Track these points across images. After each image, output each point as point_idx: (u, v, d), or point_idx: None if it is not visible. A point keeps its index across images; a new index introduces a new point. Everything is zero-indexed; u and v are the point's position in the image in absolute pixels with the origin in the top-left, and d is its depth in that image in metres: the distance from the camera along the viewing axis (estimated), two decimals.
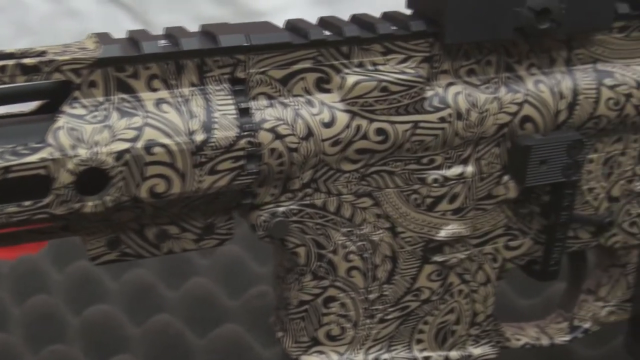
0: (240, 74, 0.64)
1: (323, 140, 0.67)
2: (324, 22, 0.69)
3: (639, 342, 0.88)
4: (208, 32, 0.65)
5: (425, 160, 0.71)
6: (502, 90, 0.71)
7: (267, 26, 0.67)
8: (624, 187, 0.79)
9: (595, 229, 0.79)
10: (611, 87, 0.75)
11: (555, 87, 0.73)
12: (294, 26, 0.68)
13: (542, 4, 0.68)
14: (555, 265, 0.77)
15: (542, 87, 0.73)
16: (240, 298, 1.17)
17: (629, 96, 0.75)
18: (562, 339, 0.83)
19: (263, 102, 0.66)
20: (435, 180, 0.71)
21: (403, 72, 0.68)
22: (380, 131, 0.68)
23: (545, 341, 0.83)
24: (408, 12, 0.72)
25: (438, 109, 0.69)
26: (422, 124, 0.69)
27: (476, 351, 0.77)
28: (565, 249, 0.77)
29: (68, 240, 1.24)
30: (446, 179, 0.71)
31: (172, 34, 0.64)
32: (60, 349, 1.07)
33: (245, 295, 1.17)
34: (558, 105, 0.73)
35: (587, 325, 0.84)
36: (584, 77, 0.74)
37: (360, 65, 0.67)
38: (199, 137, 0.62)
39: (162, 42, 0.63)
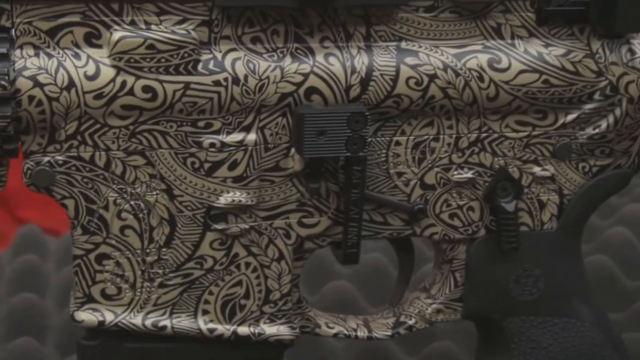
0: (5, 23, 0.67)
1: (85, 93, 0.68)
2: None
3: (486, 353, 0.85)
4: None
5: (201, 124, 0.71)
6: (287, 60, 0.71)
7: None
8: (440, 175, 0.76)
9: (408, 217, 0.77)
10: (413, 67, 0.73)
11: (348, 62, 0.72)
12: None
13: None
14: (353, 247, 0.75)
15: (333, 60, 0.72)
16: None
17: (433, 77, 0.73)
18: (383, 333, 0.81)
19: (29, 51, 0.68)
20: (212, 145, 0.71)
21: (173, 32, 0.69)
22: (147, 88, 0.69)
23: (362, 333, 0.80)
24: None
25: (213, 72, 0.70)
26: (194, 86, 0.70)
27: (270, 330, 0.76)
28: (361, 230, 0.74)
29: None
30: (224, 144, 0.71)
31: None
32: None
33: None
34: (350, 79, 0.72)
35: (411, 321, 0.81)
36: (382, 54, 0.73)
37: (133, 23, 0.69)
38: None
39: None
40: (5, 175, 0.71)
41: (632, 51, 0.77)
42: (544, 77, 0.75)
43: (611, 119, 0.78)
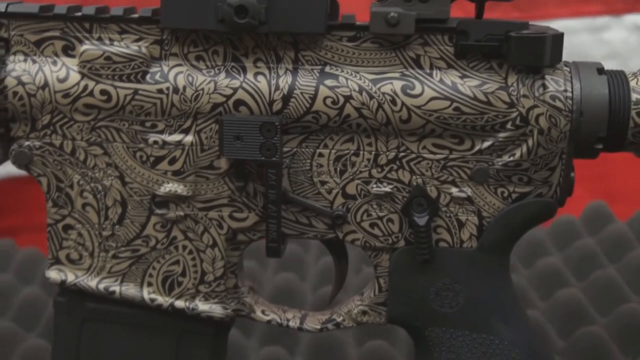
0: (3, 34, 0.86)
1: (56, 92, 0.85)
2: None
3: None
4: None
5: (148, 124, 0.86)
6: (222, 76, 0.84)
7: None
8: (360, 186, 0.86)
9: (330, 221, 0.87)
10: (331, 88, 0.83)
11: (274, 80, 0.84)
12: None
13: (239, 1, 0.81)
14: (274, 242, 0.86)
15: (260, 78, 0.84)
16: None
17: (348, 97, 0.83)
18: (313, 326, 0.90)
19: (20, 57, 0.86)
20: (155, 142, 0.86)
21: (127, 47, 0.85)
22: (104, 92, 0.85)
23: (293, 324, 0.90)
24: None
25: (158, 82, 0.85)
26: (141, 92, 0.85)
27: (203, 307, 0.88)
28: (281, 227, 0.85)
29: None
30: (165, 142, 0.86)
31: None
32: None
33: None
34: (273, 95, 0.84)
35: (339, 319, 0.90)
36: (305, 76, 0.84)
37: (100, 39, 0.86)
38: None
39: None
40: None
41: (544, 86, 0.82)
42: (455, 104, 0.83)
43: (524, 148, 0.83)
